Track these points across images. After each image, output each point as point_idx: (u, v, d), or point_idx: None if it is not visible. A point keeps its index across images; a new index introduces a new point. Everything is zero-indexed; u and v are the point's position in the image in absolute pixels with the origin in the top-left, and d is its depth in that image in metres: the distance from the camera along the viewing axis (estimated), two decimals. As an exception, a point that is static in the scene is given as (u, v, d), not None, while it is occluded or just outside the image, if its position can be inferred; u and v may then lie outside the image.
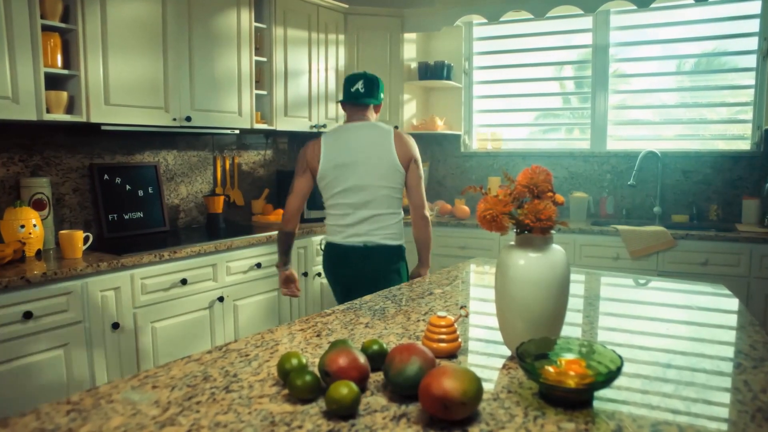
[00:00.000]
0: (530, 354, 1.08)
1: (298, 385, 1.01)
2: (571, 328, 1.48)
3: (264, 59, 3.42)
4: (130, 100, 2.68)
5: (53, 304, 2.20)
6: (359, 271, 2.37)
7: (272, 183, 3.95)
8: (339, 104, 2.50)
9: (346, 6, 3.88)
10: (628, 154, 3.83)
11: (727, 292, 1.90)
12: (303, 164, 2.43)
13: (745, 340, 1.40)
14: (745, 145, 3.63)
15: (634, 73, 3.92)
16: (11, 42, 2.25)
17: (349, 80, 2.47)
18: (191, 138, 3.41)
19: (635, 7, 3.57)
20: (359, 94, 2.42)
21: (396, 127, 2.54)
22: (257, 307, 3.06)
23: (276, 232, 3.05)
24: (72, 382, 2.27)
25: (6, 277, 2.05)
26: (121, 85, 2.64)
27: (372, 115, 2.49)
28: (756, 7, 3.51)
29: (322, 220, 3.67)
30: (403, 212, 2.47)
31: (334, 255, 2.42)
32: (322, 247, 2.56)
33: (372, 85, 2.44)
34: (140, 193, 3.08)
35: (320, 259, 3.44)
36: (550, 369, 1.04)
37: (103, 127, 2.60)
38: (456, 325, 1.28)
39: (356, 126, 2.43)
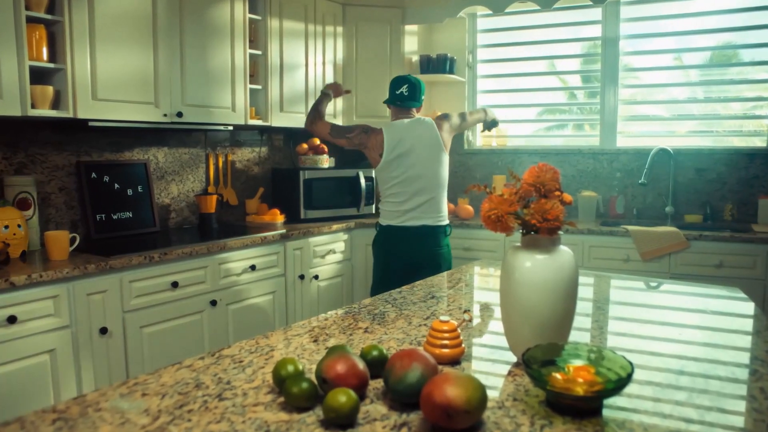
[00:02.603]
0: (537, 360, 1.08)
1: (294, 392, 1.01)
2: (580, 333, 1.48)
3: (259, 52, 3.42)
4: (119, 95, 2.68)
5: (38, 308, 2.20)
6: (414, 250, 2.85)
7: (267, 182, 3.95)
8: (385, 104, 3.06)
9: (345, -3, 3.88)
10: (639, 152, 3.83)
11: (743, 295, 1.90)
12: (360, 136, 2.91)
13: (762, 345, 1.40)
14: (761, 142, 3.63)
15: (645, 67, 3.92)
16: (-6, 34, 2.25)
17: (395, 83, 2.93)
18: (183, 134, 3.41)
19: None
20: (404, 97, 2.90)
21: (444, 115, 3.06)
22: (251, 311, 3.06)
23: (271, 233, 3.15)
24: (58, 390, 2.27)
25: (-11, 280, 2.05)
26: (110, 80, 2.64)
27: (415, 115, 2.97)
28: (772, -2, 3.51)
29: (319, 220, 3.68)
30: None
31: (393, 236, 2.89)
32: (377, 229, 2.99)
33: (416, 89, 2.91)
34: (129, 192, 3.08)
35: (317, 261, 3.45)
36: (558, 376, 1.04)
37: (90, 123, 2.60)
38: (459, 330, 1.28)
39: (407, 123, 2.90)
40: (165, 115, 2.88)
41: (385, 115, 4.03)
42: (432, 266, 2.82)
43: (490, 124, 3.33)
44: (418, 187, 2.85)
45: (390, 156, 2.85)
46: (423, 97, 2.97)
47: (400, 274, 2.78)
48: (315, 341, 1.40)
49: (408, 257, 2.86)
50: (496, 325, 1.43)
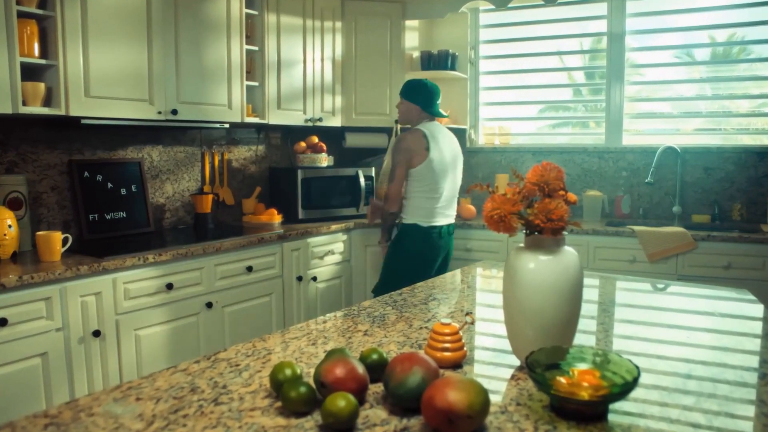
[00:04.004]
0: (541, 364, 1.08)
1: (292, 397, 1.01)
2: (585, 336, 1.48)
3: (255, 48, 3.42)
4: (113, 92, 2.68)
5: (30, 311, 2.20)
6: (445, 247, 3.23)
7: (264, 181, 3.95)
8: (427, 112, 3.24)
9: (344, -9, 3.88)
10: (646, 150, 3.83)
11: (752, 297, 1.90)
12: (408, 156, 3.07)
13: (771, 348, 1.40)
14: (770, 140, 3.63)
15: (651, 63, 3.92)
16: (-15, 30, 2.25)
17: (434, 93, 3.17)
18: (178, 132, 3.41)
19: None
20: (438, 109, 3.23)
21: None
22: (248, 314, 3.06)
23: (269, 233, 3.14)
24: (50, 394, 2.27)
25: (-21, 282, 2.05)
26: (103, 76, 2.64)
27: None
28: (782, -7, 3.51)
29: (317, 220, 3.67)
30: None
31: (437, 234, 3.15)
32: (408, 227, 3.16)
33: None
34: (123, 191, 3.08)
35: (316, 262, 3.45)
36: (562, 380, 1.04)
37: (83, 121, 2.60)
38: (461, 333, 1.28)
39: (445, 131, 3.21)
40: (159, 112, 2.87)
41: (384, 113, 4.03)
42: (447, 262, 3.29)
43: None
44: (451, 189, 3.20)
45: (436, 159, 3.06)
46: None
47: (431, 270, 3.15)
48: (313, 344, 1.40)
49: (442, 253, 3.20)
50: (499, 327, 1.43)
